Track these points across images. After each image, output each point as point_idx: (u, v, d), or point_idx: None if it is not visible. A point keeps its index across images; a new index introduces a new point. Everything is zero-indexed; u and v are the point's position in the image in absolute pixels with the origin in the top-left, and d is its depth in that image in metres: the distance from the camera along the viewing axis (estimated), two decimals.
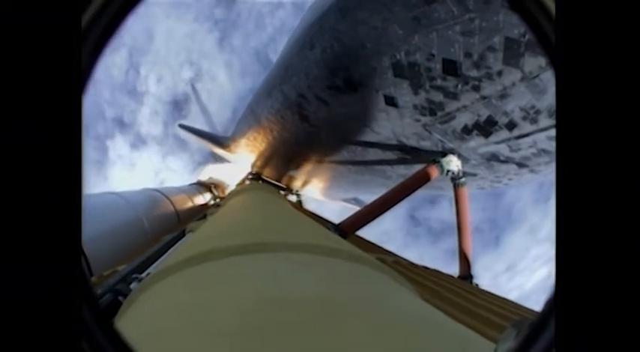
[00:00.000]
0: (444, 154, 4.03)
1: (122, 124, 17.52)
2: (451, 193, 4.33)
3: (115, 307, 1.40)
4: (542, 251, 16.91)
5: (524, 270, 16.96)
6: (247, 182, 9.15)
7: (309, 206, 8.57)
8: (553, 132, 3.14)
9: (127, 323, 1.02)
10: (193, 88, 16.29)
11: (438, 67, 3.04)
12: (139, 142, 17.79)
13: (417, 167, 4.25)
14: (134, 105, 17.61)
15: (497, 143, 3.59)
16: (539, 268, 17.00)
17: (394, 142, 4.39)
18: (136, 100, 17.50)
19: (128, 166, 17.66)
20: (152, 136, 17.74)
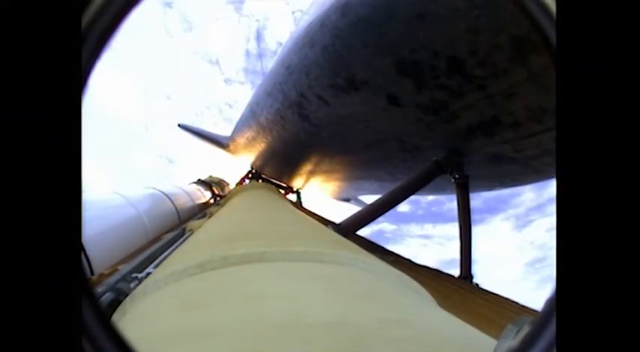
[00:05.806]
0: (447, 154, 4.00)
1: None
2: (452, 193, 4.31)
3: (115, 306, 1.40)
4: None
5: None
6: (247, 181, 9.15)
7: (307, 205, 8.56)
8: None
9: (127, 323, 1.02)
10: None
11: (442, 65, 3.00)
12: None
13: (420, 167, 4.22)
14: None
15: (502, 143, 3.56)
16: None
17: (396, 142, 4.36)
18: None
19: None
20: None
